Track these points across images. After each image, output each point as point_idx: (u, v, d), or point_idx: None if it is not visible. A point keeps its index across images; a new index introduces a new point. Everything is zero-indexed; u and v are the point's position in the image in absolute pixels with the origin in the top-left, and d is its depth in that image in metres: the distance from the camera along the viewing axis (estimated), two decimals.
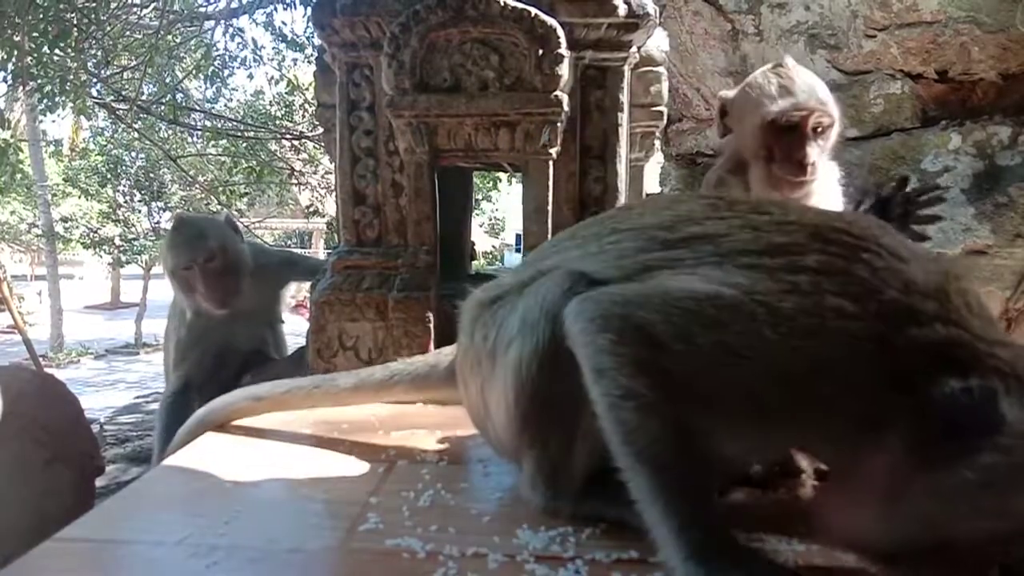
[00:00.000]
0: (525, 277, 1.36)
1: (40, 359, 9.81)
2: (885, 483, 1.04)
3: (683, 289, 1.14)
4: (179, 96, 10.23)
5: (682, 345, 1.08)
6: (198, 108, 11.76)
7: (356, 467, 1.61)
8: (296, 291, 3.58)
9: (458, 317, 1.52)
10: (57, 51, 7.31)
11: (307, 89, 10.60)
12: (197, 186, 13.90)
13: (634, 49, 2.31)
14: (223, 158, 12.17)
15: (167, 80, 10.03)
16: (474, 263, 3.37)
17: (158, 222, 16.18)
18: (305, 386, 1.84)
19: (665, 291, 1.15)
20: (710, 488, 1.10)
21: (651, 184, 3.91)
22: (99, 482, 2.74)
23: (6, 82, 8.11)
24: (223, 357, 2.92)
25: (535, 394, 1.26)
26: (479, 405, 1.46)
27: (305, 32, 10.70)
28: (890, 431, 1.03)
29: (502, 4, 2.11)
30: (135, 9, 8.87)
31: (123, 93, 9.60)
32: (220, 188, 12.95)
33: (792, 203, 1.55)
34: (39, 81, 7.39)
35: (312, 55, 9.95)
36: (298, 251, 8.08)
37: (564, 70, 2.13)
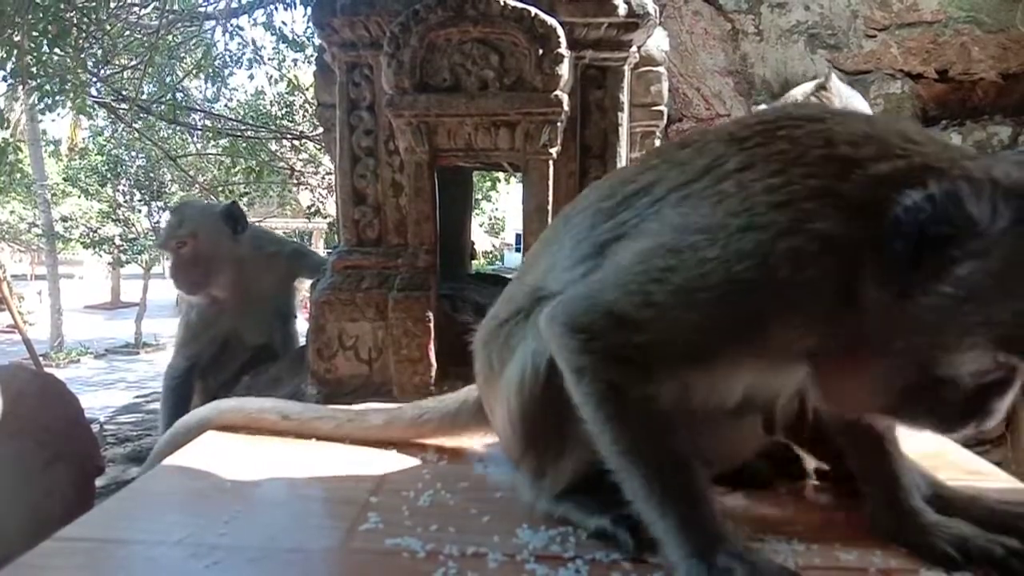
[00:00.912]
0: (525, 303, 1.37)
1: (40, 359, 9.81)
2: (872, 330, 0.99)
3: (630, 258, 1.13)
4: (179, 96, 10.23)
5: (649, 311, 1.07)
6: (198, 108, 11.75)
7: (356, 467, 1.61)
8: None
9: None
10: (57, 50, 7.31)
11: (307, 89, 10.60)
12: (197, 186, 13.89)
13: (634, 49, 2.31)
14: (223, 158, 12.15)
15: (167, 80, 10.05)
16: (474, 263, 3.37)
17: (158, 222, 16.16)
18: (337, 416, 1.82)
19: (616, 267, 1.15)
20: (704, 482, 1.08)
21: None
22: (99, 482, 2.73)
23: (6, 81, 8.11)
24: (230, 345, 3.00)
25: (533, 404, 1.28)
26: (491, 416, 1.50)
27: (305, 32, 10.70)
28: (861, 284, 0.98)
29: (502, 4, 2.11)
30: (135, 8, 8.87)
31: (123, 93, 9.59)
32: (220, 188, 12.94)
33: (712, 128, 1.54)
34: (39, 80, 7.39)
35: (312, 55, 9.95)
36: None
37: (564, 70, 2.12)
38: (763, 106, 1.94)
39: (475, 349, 1.52)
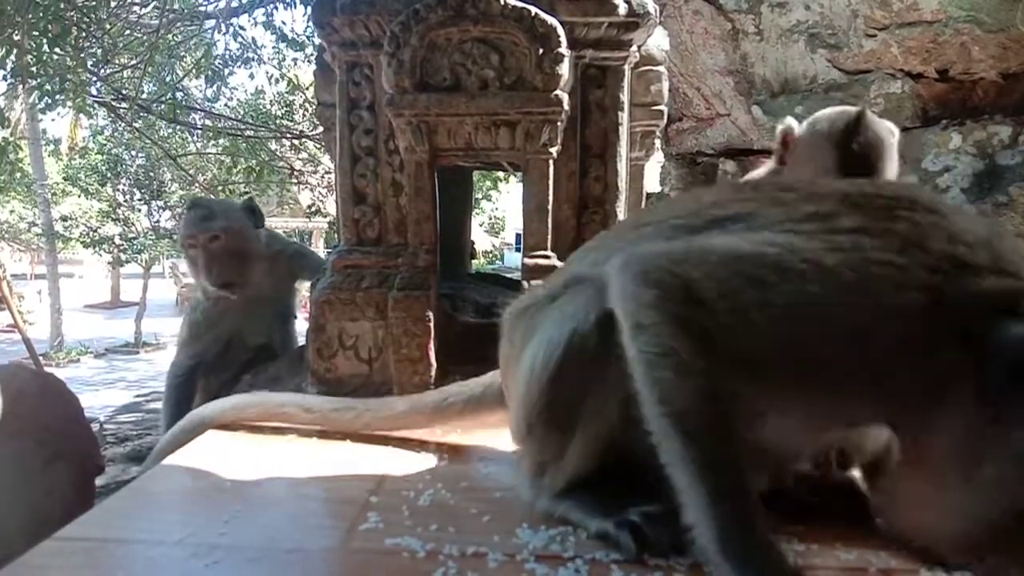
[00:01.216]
0: (556, 286, 1.38)
1: (40, 358, 9.81)
2: (959, 449, 0.98)
3: (728, 248, 1.10)
4: (179, 95, 10.23)
5: (727, 304, 1.05)
6: (198, 107, 11.75)
7: (356, 467, 1.61)
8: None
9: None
10: (57, 50, 7.31)
11: (307, 88, 10.60)
12: (197, 185, 13.89)
13: (634, 48, 2.31)
14: (223, 157, 12.15)
15: (167, 79, 10.04)
16: (474, 262, 3.37)
17: (158, 221, 16.18)
18: (357, 407, 1.82)
19: (710, 249, 1.12)
20: (745, 467, 1.05)
21: (651, 183, 3.90)
22: (99, 481, 2.73)
23: (6, 80, 8.11)
24: (232, 345, 3.01)
25: (541, 394, 1.27)
26: (507, 397, 1.49)
27: (305, 31, 10.70)
28: (954, 390, 0.97)
29: (502, 3, 2.11)
30: (135, 8, 8.87)
31: (123, 92, 9.59)
32: (220, 187, 12.94)
33: (819, 180, 1.53)
34: (39, 79, 7.38)
35: (312, 54, 9.95)
36: None
37: (564, 69, 2.12)
38: (759, 108, 1.93)
39: (502, 326, 1.51)
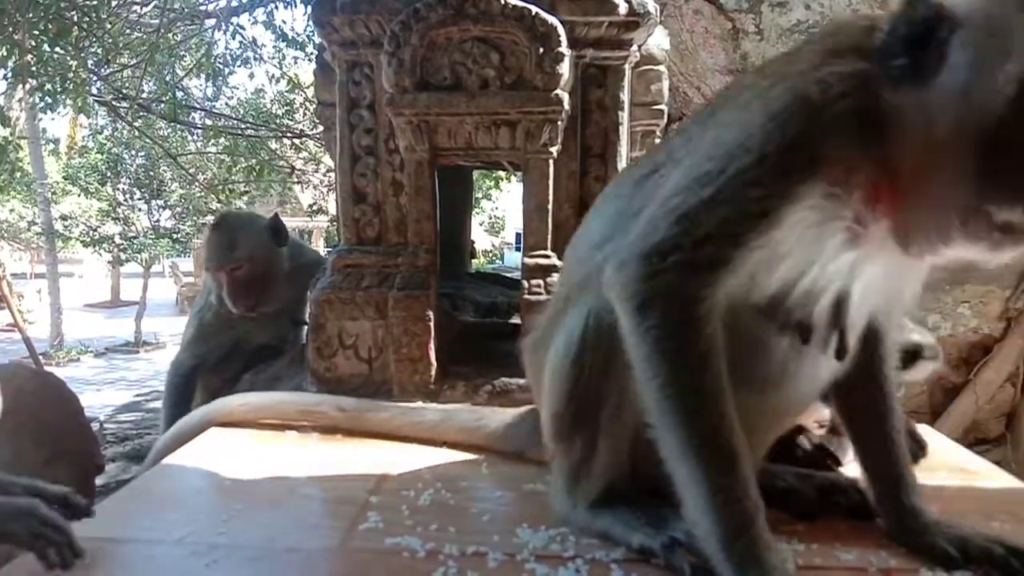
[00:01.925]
0: (562, 295, 1.42)
1: (40, 357, 9.81)
2: (910, 155, 1.04)
3: (669, 189, 1.18)
4: (179, 94, 10.20)
5: (701, 196, 1.11)
6: (198, 106, 11.74)
7: (356, 466, 1.61)
8: None
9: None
10: (57, 49, 7.30)
11: (307, 87, 10.58)
12: (197, 184, 13.88)
13: (635, 48, 2.31)
14: (223, 156, 12.14)
15: (167, 78, 10.01)
16: (474, 262, 3.36)
17: (158, 220, 16.18)
18: (393, 410, 1.90)
19: (660, 200, 1.18)
20: (745, 459, 1.08)
21: None
22: (99, 480, 2.74)
23: (6, 80, 8.10)
24: (238, 346, 3.03)
25: (565, 379, 1.28)
26: (539, 407, 1.49)
27: (305, 30, 10.66)
28: (884, 107, 1.04)
29: (503, 2, 2.11)
30: (135, 7, 8.86)
31: (123, 91, 9.59)
32: (220, 186, 12.93)
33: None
34: (39, 79, 7.37)
35: (312, 53, 9.92)
36: None
37: (565, 69, 2.12)
38: None
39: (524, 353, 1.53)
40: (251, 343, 3.05)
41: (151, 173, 15.39)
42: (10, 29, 6.68)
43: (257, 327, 3.03)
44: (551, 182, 2.23)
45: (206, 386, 2.98)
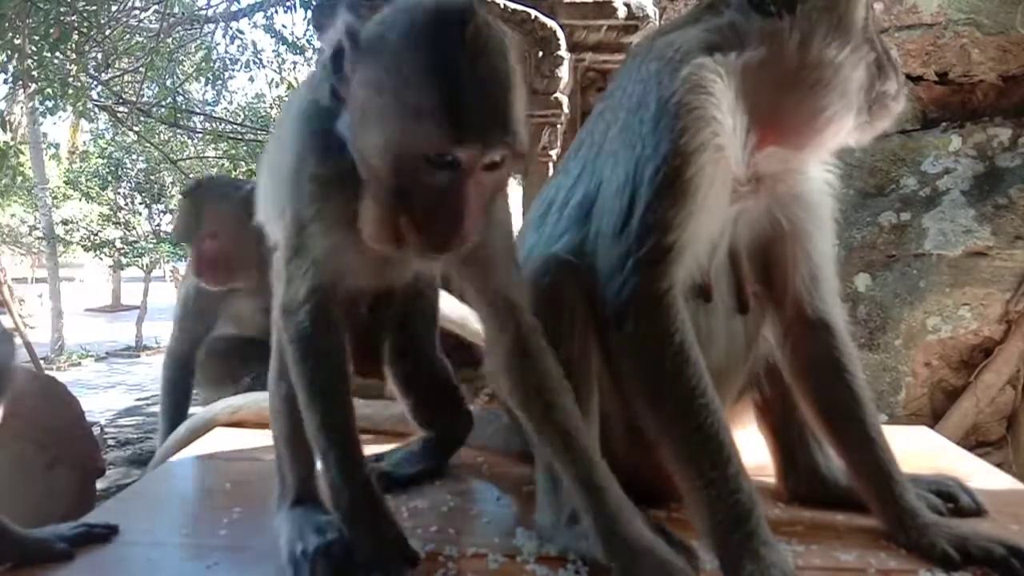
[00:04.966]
0: None
1: (41, 362, 9.81)
2: None
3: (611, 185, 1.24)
4: (179, 99, 10.22)
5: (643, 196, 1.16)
6: (198, 111, 11.77)
7: None
8: None
9: None
10: (58, 54, 7.32)
11: None
12: None
13: None
14: (223, 160, 12.17)
15: (167, 83, 10.04)
16: None
17: (158, 225, 16.17)
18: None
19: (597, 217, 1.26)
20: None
21: None
22: (100, 484, 2.73)
23: (7, 84, 8.13)
24: (238, 337, 2.80)
25: None
26: None
27: (305, 35, 10.71)
28: None
29: (503, 6, 2.11)
30: (135, 12, 8.88)
31: (123, 96, 9.61)
32: None
33: None
34: (40, 84, 7.39)
35: (312, 57, 9.96)
36: None
37: (564, 72, 2.13)
38: None
39: None
40: (246, 328, 2.79)
41: (152, 177, 15.39)
42: (11, 34, 6.70)
43: (248, 307, 2.77)
44: None
45: (207, 376, 2.83)
